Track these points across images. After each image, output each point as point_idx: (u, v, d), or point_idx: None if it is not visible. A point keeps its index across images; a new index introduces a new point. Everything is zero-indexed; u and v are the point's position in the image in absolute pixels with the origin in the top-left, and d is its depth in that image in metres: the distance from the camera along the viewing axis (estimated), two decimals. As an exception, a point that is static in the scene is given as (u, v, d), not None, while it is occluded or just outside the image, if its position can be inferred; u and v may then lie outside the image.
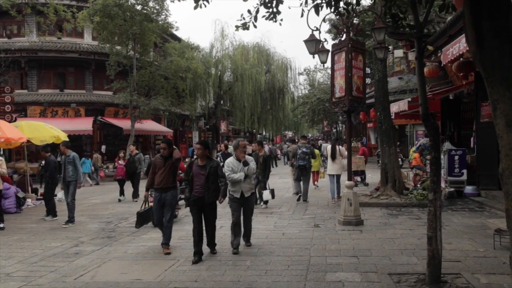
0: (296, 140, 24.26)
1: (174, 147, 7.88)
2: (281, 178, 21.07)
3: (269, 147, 27.33)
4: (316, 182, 16.12)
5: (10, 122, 14.61)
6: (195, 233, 6.84)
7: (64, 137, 15.69)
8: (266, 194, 11.31)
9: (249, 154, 10.63)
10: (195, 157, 7.21)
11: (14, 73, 24.09)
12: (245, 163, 7.27)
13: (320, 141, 42.41)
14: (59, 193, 10.80)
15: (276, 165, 30.74)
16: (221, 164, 7.61)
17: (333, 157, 12.97)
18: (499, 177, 3.94)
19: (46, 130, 14.95)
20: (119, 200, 14.26)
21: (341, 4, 6.37)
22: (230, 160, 7.40)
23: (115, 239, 8.51)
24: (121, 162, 14.66)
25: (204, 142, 7.21)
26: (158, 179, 7.44)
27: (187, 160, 18.71)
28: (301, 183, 13.29)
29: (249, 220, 7.60)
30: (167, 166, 7.45)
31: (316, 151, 15.49)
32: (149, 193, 8.13)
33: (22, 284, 5.79)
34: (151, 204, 8.21)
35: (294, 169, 14.00)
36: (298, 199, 13.12)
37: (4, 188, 11.04)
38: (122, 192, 14.52)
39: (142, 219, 8.13)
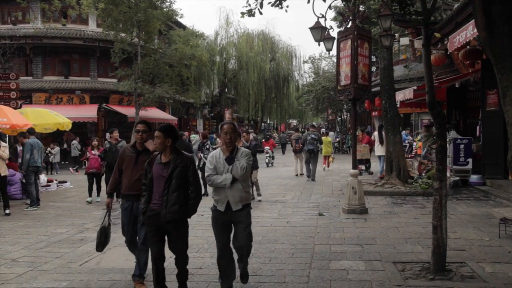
0: (300, 129, 24.89)
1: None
2: (285, 167, 21.08)
3: (254, 136, 26.82)
4: (327, 166, 18.40)
5: (15, 108, 14.60)
6: (153, 267, 4.64)
7: (69, 124, 15.75)
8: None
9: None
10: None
11: (19, 60, 24.08)
12: (230, 160, 4.71)
13: (322, 129, 42.24)
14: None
15: (283, 153, 30.95)
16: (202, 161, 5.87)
17: (381, 141, 14.73)
18: (508, 165, 3.90)
19: (51, 117, 14.98)
20: (88, 202, 11.46)
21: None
22: (214, 154, 4.88)
23: (119, 226, 8.54)
24: (94, 152, 11.84)
25: (166, 128, 4.62)
26: (128, 181, 5.21)
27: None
28: (310, 165, 15.27)
29: (245, 249, 4.88)
30: (141, 163, 5.03)
31: (328, 138, 18.37)
32: (117, 200, 5.90)
33: (28, 270, 5.83)
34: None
35: (298, 154, 16.47)
36: (308, 177, 15.28)
37: (10, 175, 11.09)
38: (92, 190, 11.81)
39: (105, 236, 5.41)
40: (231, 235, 4.87)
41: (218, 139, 20.11)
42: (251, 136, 25.60)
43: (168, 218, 4.39)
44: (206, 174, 4.77)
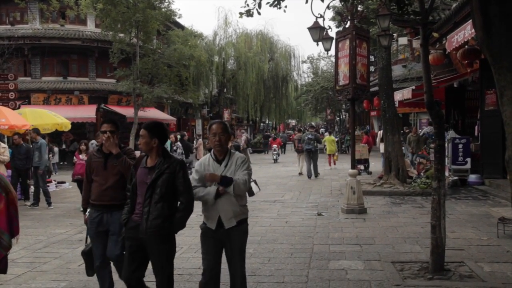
0: (302, 129, 25.80)
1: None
2: (284, 167, 21.12)
3: (247, 137, 26.99)
4: (333, 164, 19.30)
5: (14, 109, 14.59)
6: None
7: (67, 124, 15.73)
8: (254, 187, 10.32)
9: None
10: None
11: (18, 61, 24.01)
12: (226, 181, 3.84)
13: (321, 129, 42.38)
14: None
15: (284, 152, 31.10)
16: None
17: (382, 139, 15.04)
18: (505, 165, 3.91)
19: (49, 118, 14.95)
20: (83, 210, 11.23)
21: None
22: (202, 161, 4.13)
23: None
24: (82, 156, 10.54)
25: (152, 125, 3.92)
26: (97, 189, 4.51)
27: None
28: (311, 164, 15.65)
29: (239, 273, 4.07)
30: (111, 168, 4.49)
31: (332, 137, 19.76)
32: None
33: (27, 270, 5.84)
34: None
35: (301, 154, 16.91)
36: (310, 177, 15.60)
37: (8, 175, 11.07)
38: None
39: (92, 259, 4.62)
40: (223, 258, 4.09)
41: (199, 140, 20.23)
42: (244, 136, 25.86)
43: (148, 233, 3.68)
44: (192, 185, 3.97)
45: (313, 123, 43.83)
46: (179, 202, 3.84)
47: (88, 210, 4.61)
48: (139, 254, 3.84)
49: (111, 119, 4.81)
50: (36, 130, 11.71)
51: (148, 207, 3.72)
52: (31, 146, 11.44)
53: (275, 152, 25.26)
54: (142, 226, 3.72)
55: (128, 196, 3.98)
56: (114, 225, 4.41)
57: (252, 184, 8.78)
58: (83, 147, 10.87)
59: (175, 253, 3.97)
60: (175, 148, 13.09)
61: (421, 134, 17.12)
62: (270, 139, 31.27)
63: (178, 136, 17.70)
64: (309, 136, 15.97)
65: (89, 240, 4.65)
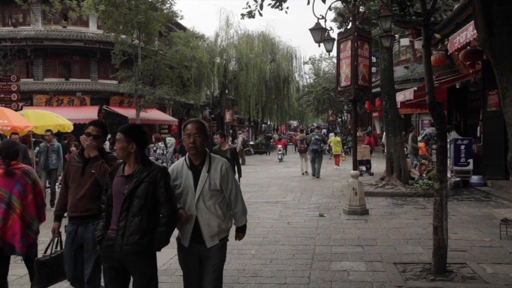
0: (304, 130, 26.69)
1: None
2: (286, 168, 21.12)
3: (243, 138, 27.10)
4: (337, 165, 19.59)
5: (16, 110, 14.63)
6: None
7: (70, 126, 15.75)
8: None
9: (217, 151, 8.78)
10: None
11: (20, 62, 24.06)
12: (197, 174, 3.46)
13: (323, 130, 42.31)
14: None
15: (285, 153, 31.20)
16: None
17: None
18: (508, 166, 3.91)
19: (52, 119, 14.97)
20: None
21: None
22: (175, 165, 3.62)
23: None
24: None
25: (129, 128, 3.50)
26: (72, 199, 4.06)
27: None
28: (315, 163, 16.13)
29: None
30: (89, 175, 4.01)
31: (337, 138, 20.37)
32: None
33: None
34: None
35: (303, 154, 17.43)
36: (313, 175, 16.07)
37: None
38: None
39: (46, 273, 4.14)
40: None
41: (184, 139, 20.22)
42: (240, 138, 25.88)
43: (125, 252, 3.24)
44: None
45: (314, 124, 43.84)
46: (160, 215, 3.37)
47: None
48: (120, 277, 3.41)
49: (101, 123, 4.27)
50: (49, 131, 11.73)
51: (124, 221, 3.27)
52: (37, 146, 11.49)
53: (280, 152, 26.33)
54: (117, 242, 3.26)
55: (103, 209, 3.52)
56: (87, 240, 3.94)
57: None
58: (73, 148, 10.16)
59: (156, 271, 3.48)
60: (155, 148, 12.95)
61: (423, 135, 17.12)
62: (273, 140, 33.79)
63: (169, 138, 17.69)
64: (316, 136, 16.49)
65: (49, 250, 4.29)
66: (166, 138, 22.57)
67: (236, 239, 3.73)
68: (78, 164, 4.10)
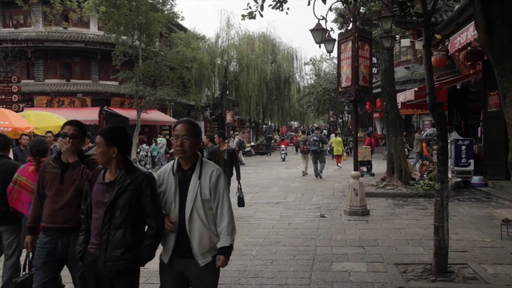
0: (304, 131, 26.93)
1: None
2: (287, 168, 21.12)
3: (239, 139, 27.11)
4: (339, 164, 20.10)
5: (17, 111, 14.65)
6: None
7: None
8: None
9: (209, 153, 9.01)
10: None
11: (21, 63, 24.11)
12: (185, 180, 3.10)
13: (324, 131, 42.29)
14: None
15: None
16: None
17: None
18: (508, 166, 3.91)
19: (52, 120, 14.98)
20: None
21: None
22: (163, 170, 3.26)
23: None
24: None
25: (109, 131, 3.21)
26: (49, 209, 3.59)
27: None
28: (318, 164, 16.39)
29: None
30: (69, 182, 3.59)
31: (338, 138, 20.75)
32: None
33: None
34: None
35: (305, 155, 17.73)
36: (316, 176, 16.28)
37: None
38: None
39: None
40: None
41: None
42: (236, 139, 25.88)
43: (108, 268, 2.94)
44: None
45: (315, 125, 43.91)
46: (147, 227, 3.06)
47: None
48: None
49: (77, 122, 3.75)
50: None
51: (107, 235, 2.94)
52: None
53: (283, 152, 27.37)
54: (100, 258, 2.96)
55: (83, 219, 3.16)
56: (73, 256, 3.42)
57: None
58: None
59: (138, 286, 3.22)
60: (138, 150, 12.88)
61: (424, 135, 17.11)
62: (275, 141, 35.39)
63: (161, 138, 17.63)
64: (314, 137, 16.75)
65: (27, 268, 3.89)
66: (158, 139, 22.63)
67: (217, 264, 3.04)
68: (55, 170, 3.64)
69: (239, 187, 8.93)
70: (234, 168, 9.06)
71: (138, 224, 3.02)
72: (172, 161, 3.21)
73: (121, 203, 2.95)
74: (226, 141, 9.31)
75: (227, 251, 3.04)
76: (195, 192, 3.03)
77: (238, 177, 9.04)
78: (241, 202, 8.84)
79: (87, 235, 3.09)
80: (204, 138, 9.69)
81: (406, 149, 15.15)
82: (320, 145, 16.55)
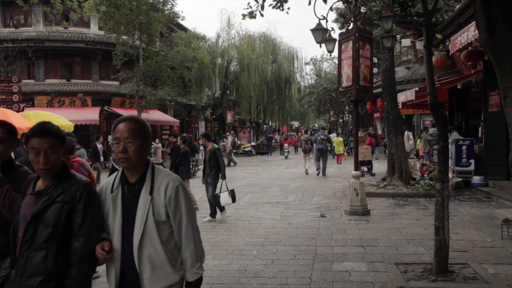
0: (307, 131, 27.73)
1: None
2: (287, 168, 21.12)
3: (233, 139, 26.87)
4: (339, 164, 20.31)
5: (17, 111, 14.66)
6: None
7: (71, 127, 15.78)
8: (225, 197, 8.73)
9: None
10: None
11: (21, 63, 24.14)
12: (133, 194, 2.38)
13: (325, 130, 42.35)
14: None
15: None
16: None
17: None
18: (509, 166, 3.92)
19: (53, 120, 14.96)
20: None
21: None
22: (106, 184, 2.49)
23: None
24: None
25: (43, 128, 2.37)
26: None
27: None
28: (320, 162, 16.95)
29: None
30: (9, 194, 2.69)
31: (340, 138, 21.06)
32: None
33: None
34: None
35: (307, 154, 18.40)
36: (318, 174, 16.93)
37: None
38: None
39: None
40: None
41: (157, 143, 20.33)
42: (230, 138, 25.79)
43: None
44: None
45: (316, 125, 43.91)
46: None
47: None
48: None
49: (4, 122, 2.99)
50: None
51: (25, 257, 2.26)
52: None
53: (286, 150, 29.01)
54: (14, 286, 2.29)
55: (10, 240, 2.45)
56: None
57: (225, 195, 8.58)
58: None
59: None
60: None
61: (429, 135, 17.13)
62: (275, 140, 36.56)
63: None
64: (322, 136, 17.33)
65: None
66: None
67: None
68: None
69: (226, 184, 8.89)
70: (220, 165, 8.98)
71: (66, 246, 2.29)
72: (116, 172, 2.51)
73: (46, 218, 2.26)
74: (210, 141, 9.26)
75: (196, 286, 2.43)
76: (146, 212, 2.32)
77: (223, 176, 8.95)
78: (233, 197, 8.89)
79: (13, 256, 2.39)
80: (202, 139, 9.72)
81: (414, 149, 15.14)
82: (327, 144, 17.27)
